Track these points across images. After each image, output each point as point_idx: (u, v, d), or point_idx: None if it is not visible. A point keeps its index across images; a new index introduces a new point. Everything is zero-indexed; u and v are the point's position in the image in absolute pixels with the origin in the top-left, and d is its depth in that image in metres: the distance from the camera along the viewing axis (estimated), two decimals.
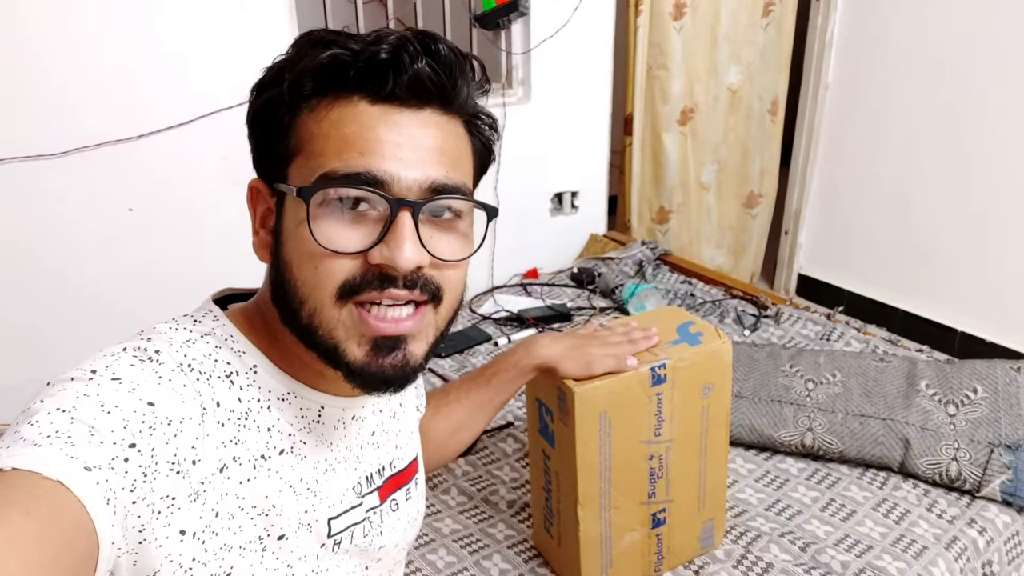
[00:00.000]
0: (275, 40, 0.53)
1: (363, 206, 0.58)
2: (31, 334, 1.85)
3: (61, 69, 1.74)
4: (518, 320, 2.20)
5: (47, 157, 1.76)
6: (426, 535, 1.35)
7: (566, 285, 2.47)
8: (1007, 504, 1.37)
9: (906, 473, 1.45)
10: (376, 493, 0.75)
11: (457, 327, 2.18)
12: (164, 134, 1.87)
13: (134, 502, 0.51)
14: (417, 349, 0.62)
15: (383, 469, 0.76)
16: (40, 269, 1.84)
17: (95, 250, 1.89)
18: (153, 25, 1.81)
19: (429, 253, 0.59)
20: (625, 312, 2.18)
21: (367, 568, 0.75)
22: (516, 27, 2.48)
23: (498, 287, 2.52)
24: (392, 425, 0.79)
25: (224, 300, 0.70)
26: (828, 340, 1.98)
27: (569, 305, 2.29)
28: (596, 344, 1.06)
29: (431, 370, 1.92)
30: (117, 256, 1.92)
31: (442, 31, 2.40)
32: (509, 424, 1.69)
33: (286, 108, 0.60)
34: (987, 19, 2.53)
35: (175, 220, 1.97)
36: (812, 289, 3.34)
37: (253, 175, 0.66)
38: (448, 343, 2.07)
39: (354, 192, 0.58)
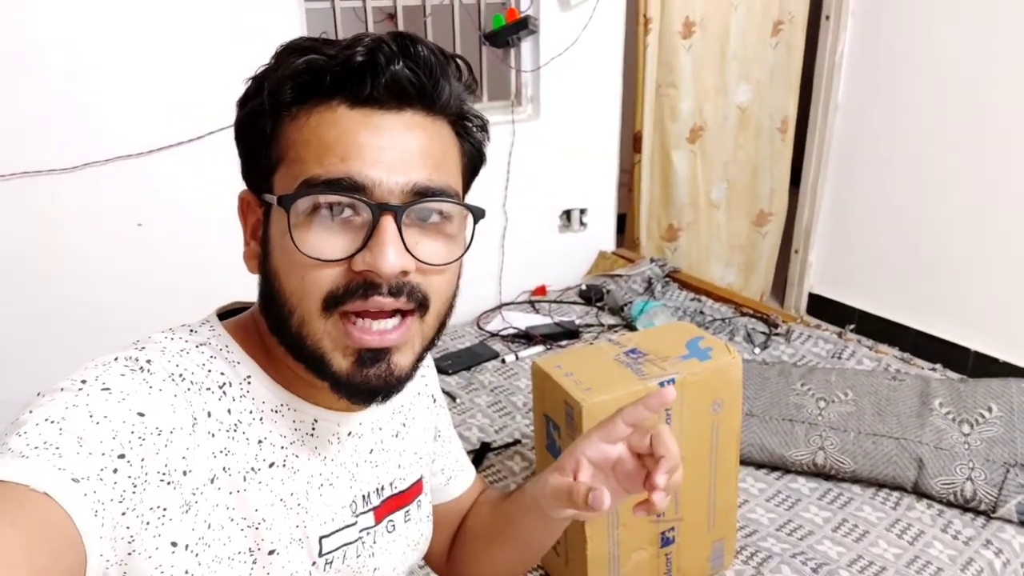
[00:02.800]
0: None
1: (346, 212, 0.57)
2: (39, 347, 1.85)
3: (71, 85, 1.76)
4: (526, 337, 2.19)
5: (57, 172, 1.77)
6: None
7: (574, 302, 2.46)
8: (1023, 525, 1.35)
9: (920, 493, 1.43)
10: (372, 513, 0.73)
11: (464, 344, 2.18)
12: (174, 149, 1.88)
13: (123, 513, 0.50)
14: (402, 360, 0.61)
15: (381, 489, 0.74)
16: (49, 283, 1.85)
17: (104, 264, 1.90)
18: (164, 41, 1.83)
19: (414, 257, 0.58)
20: (633, 329, 2.17)
21: None
22: (526, 45, 2.50)
23: (506, 304, 2.51)
24: (394, 444, 0.76)
25: (231, 313, 0.69)
26: (839, 358, 1.96)
27: (577, 322, 2.28)
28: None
29: None
30: (126, 270, 1.93)
31: (452, 49, 2.41)
32: (517, 442, 1.67)
33: (268, 117, 0.59)
34: (997, 38, 2.53)
35: (184, 235, 1.97)
36: (823, 308, 3.31)
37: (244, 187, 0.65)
38: (455, 360, 2.06)
39: (335, 198, 0.56)
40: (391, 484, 0.75)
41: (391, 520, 0.75)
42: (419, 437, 0.82)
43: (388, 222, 0.56)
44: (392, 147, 0.57)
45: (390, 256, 0.56)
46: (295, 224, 0.57)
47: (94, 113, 1.79)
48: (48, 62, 1.72)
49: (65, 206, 1.81)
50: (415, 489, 0.79)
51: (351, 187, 0.56)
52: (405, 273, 0.58)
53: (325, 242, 0.57)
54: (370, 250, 0.56)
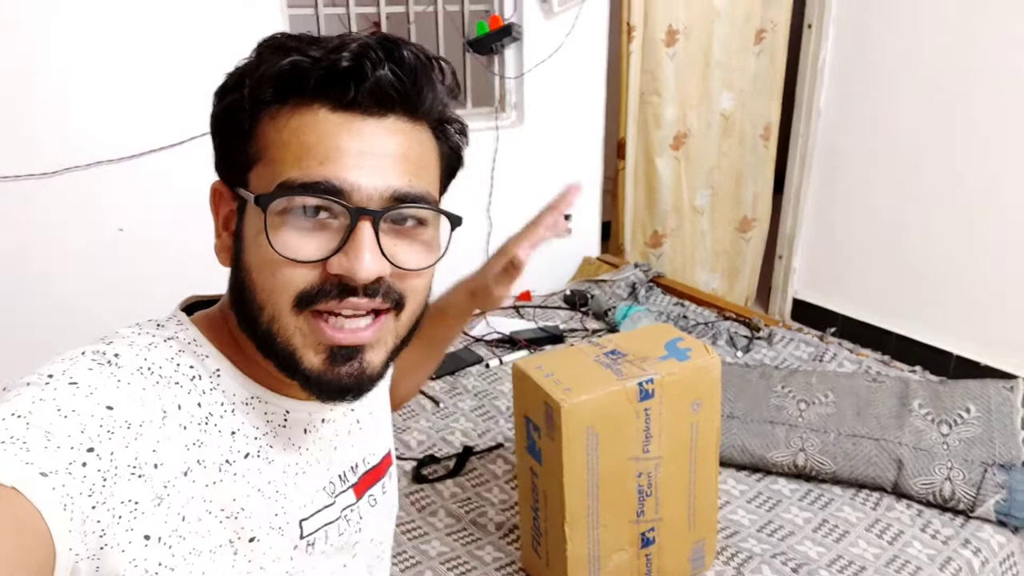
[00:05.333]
0: None
1: (323, 215, 0.57)
2: (18, 352, 1.83)
3: (53, 90, 1.75)
4: (510, 342, 2.19)
5: (38, 176, 1.76)
6: (413, 557, 1.33)
7: (559, 307, 2.47)
8: (1002, 524, 1.36)
9: (899, 493, 1.44)
10: (351, 490, 0.74)
11: (449, 348, 2.17)
12: (156, 154, 1.88)
13: (93, 507, 0.50)
14: (375, 358, 0.61)
15: (356, 466, 0.75)
16: (30, 288, 1.83)
17: (85, 269, 1.89)
18: (146, 47, 1.83)
19: (390, 262, 0.58)
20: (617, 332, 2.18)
21: (344, 566, 0.74)
22: (509, 52, 2.51)
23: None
24: (368, 422, 0.78)
25: (193, 308, 0.69)
26: (821, 361, 1.97)
27: (562, 327, 2.29)
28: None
29: (422, 391, 1.90)
30: (107, 275, 1.92)
31: None
32: (499, 446, 1.67)
33: (247, 114, 0.59)
34: (979, 45, 2.56)
35: (166, 240, 1.96)
36: (807, 313, 3.33)
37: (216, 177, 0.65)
38: (440, 365, 2.05)
39: (313, 201, 0.56)
40: (364, 460, 0.77)
41: (371, 495, 0.77)
42: (386, 409, 0.84)
43: (365, 227, 0.56)
44: (372, 152, 0.57)
45: (366, 261, 0.56)
46: (271, 224, 0.56)
47: (74, 119, 1.79)
48: (27, 68, 1.71)
49: (46, 211, 1.80)
50: (386, 461, 0.81)
51: (329, 190, 0.56)
52: (380, 277, 0.58)
53: (300, 243, 0.57)
54: (346, 254, 0.56)
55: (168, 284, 1.97)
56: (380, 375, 0.62)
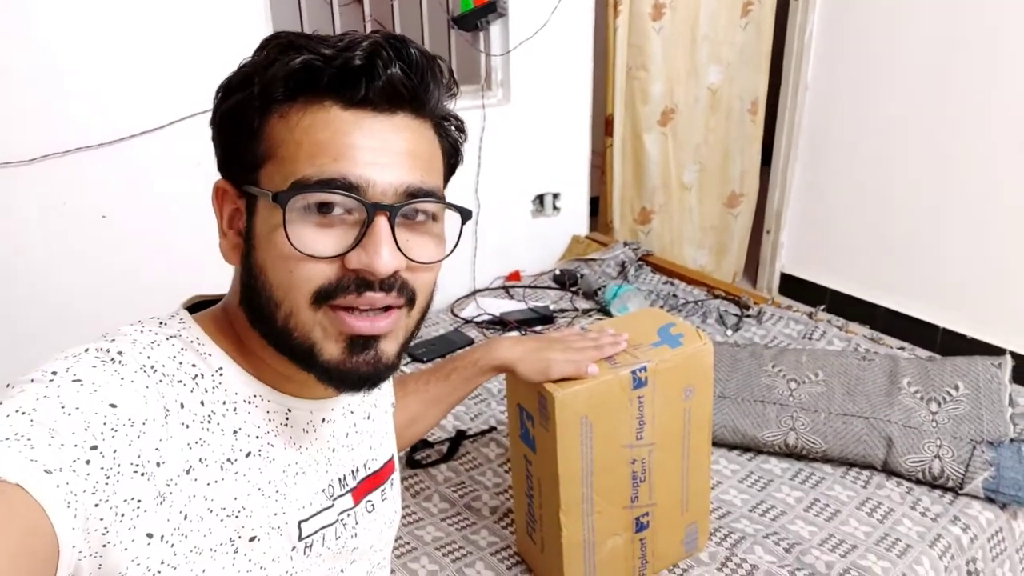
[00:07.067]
0: (250, 43, 0.53)
1: (337, 211, 0.58)
2: (4, 343, 1.81)
3: (30, 74, 1.71)
4: (500, 323, 2.18)
5: (15, 164, 1.73)
6: (408, 543, 1.33)
7: (548, 287, 2.46)
8: (990, 501, 1.37)
9: (889, 471, 1.45)
10: (350, 495, 0.75)
11: (439, 331, 2.17)
12: (137, 139, 1.84)
13: (96, 505, 0.50)
14: (389, 348, 0.62)
15: (357, 471, 0.76)
16: (10, 278, 1.80)
17: (67, 258, 1.86)
18: (124, 29, 1.78)
19: (406, 257, 0.60)
20: (608, 313, 2.18)
21: (342, 571, 0.75)
22: (495, 28, 2.47)
23: (480, 290, 2.51)
24: (366, 426, 0.79)
25: (196, 307, 0.69)
26: (810, 339, 1.98)
27: (552, 307, 2.28)
28: (557, 348, 1.06)
29: None
30: (90, 264, 1.89)
31: (420, 33, 2.38)
32: (492, 429, 1.67)
33: (255, 112, 0.59)
34: (964, 17, 2.55)
35: (149, 226, 1.93)
36: (794, 288, 3.35)
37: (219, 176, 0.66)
38: (430, 347, 2.05)
39: (332, 197, 0.57)
40: (365, 465, 0.78)
41: (370, 500, 0.78)
42: (387, 415, 0.85)
43: (382, 222, 0.58)
44: (384, 149, 0.59)
45: (384, 256, 0.57)
46: (288, 220, 0.57)
47: (53, 104, 1.75)
48: (3, 52, 1.67)
49: (25, 200, 1.77)
50: (388, 468, 0.82)
51: (345, 186, 0.57)
52: (395, 272, 0.59)
53: (317, 239, 0.58)
54: (364, 249, 0.58)
55: (154, 269, 1.97)
56: (395, 365, 0.64)
